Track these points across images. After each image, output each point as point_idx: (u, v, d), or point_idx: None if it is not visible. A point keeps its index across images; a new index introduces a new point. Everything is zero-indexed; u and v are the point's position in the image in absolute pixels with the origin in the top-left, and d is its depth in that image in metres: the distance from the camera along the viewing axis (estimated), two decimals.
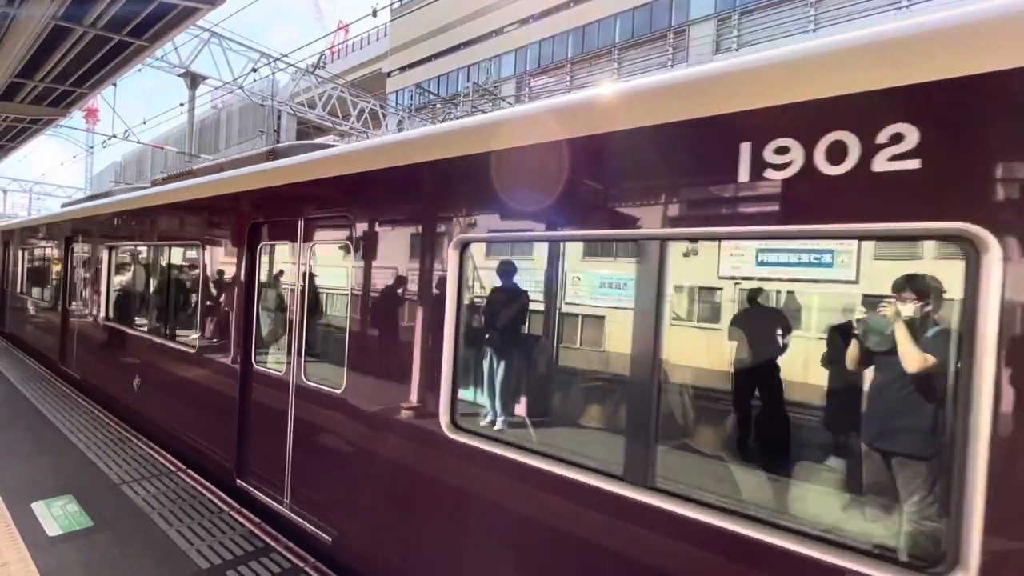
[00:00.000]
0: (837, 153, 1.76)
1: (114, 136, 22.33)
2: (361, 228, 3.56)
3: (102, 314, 7.63)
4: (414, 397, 3.10)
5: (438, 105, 28.02)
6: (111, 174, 52.91)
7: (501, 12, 29.13)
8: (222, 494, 4.58)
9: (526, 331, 3.22)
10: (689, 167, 2.13)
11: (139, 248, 7.13)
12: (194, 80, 20.08)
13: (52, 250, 10.33)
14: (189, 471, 5.06)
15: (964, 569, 1.50)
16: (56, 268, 9.90)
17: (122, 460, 5.27)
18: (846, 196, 1.76)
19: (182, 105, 21.19)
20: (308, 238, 4.12)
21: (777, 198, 1.90)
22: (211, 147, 39.33)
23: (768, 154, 1.90)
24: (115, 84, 14.82)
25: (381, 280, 3.44)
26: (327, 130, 26.47)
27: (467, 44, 31.45)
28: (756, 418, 2.46)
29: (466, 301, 2.99)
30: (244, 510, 4.31)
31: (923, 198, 1.64)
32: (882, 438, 2.12)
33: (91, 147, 36.15)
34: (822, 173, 1.79)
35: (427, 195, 3.18)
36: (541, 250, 3.04)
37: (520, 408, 2.98)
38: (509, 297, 3.15)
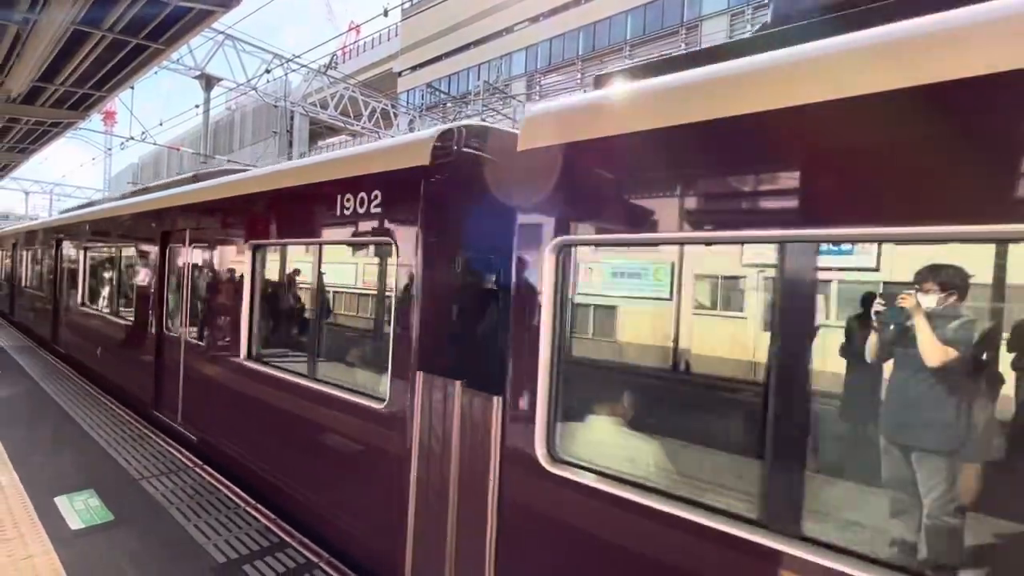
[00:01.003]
0: (365, 202, 3.55)
1: (132, 138, 22.74)
2: (210, 236, 5.55)
3: (78, 300, 9.59)
4: (234, 344, 4.94)
5: (449, 104, 28.07)
6: (129, 175, 53.85)
7: (511, 10, 29.07)
8: (235, 487, 4.67)
9: (280, 302, 5.04)
10: (322, 207, 3.96)
11: (100, 249, 9.09)
12: (209, 82, 20.35)
13: (47, 251, 12.09)
14: (206, 466, 5.16)
15: (386, 399, 3.39)
16: (49, 266, 11.66)
17: (141, 455, 5.38)
18: (366, 223, 3.57)
19: (197, 107, 21.50)
20: (191, 242, 5.99)
21: (349, 224, 3.72)
22: (226, 148, 39.83)
23: (344, 201, 3.70)
24: (132, 87, 15.08)
25: (221, 270, 5.34)
26: (339, 130, 26.65)
27: (477, 43, 31.44)
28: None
29: (259, 284, 4.85)
30: (261, 507, 4.39)
31: (382, 225, 3.47)
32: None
33: (109, 149, 36.79)
34: (359, 212, 3.60)
35: (234, 216, 5.18)
36: (290, 251, 4.91)
37: (275, 345, 4.99)
38: (272, 279, 5.00)
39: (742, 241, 2.17)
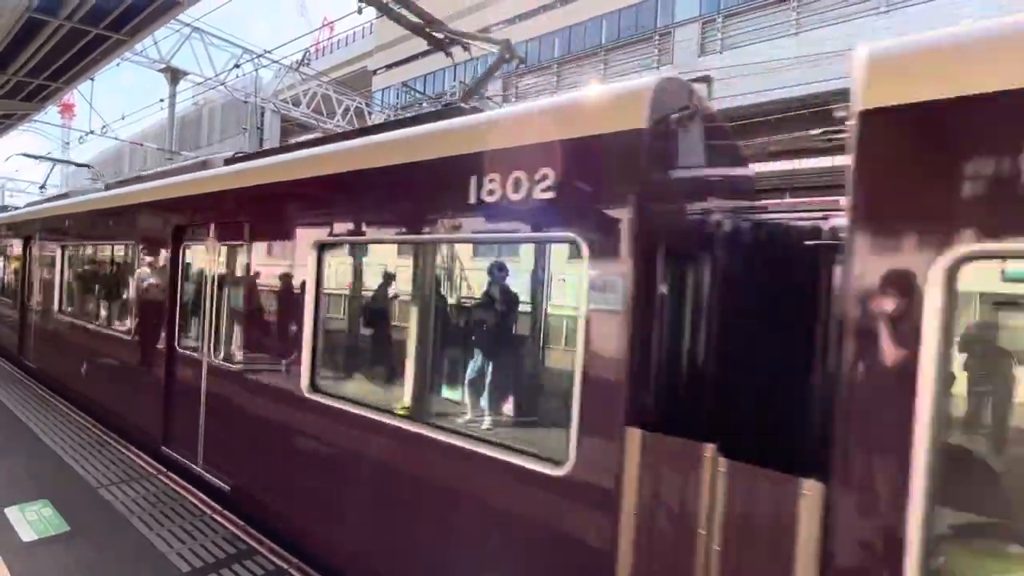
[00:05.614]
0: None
1: (91, 132, 21.77)
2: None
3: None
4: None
5: (424, 104, 27.85)
6: (87, 171, 51.48)
7: (487, 12, 29.06)
8: (204, 495, 4.51)
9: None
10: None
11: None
12: (175, 76, 19.67)
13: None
14: (170, 474, 4.98)
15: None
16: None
17: (100, 463, 5.16)
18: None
19: (162, 101, 20.74)
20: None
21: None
22: (193, 144, 38.53)
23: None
24: (92, 79, 14.46)
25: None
26: (311, 128, 26.12)
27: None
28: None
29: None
30: (211, 501, 4.25)
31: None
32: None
33: (67, 143, 35.18)
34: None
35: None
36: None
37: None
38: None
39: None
